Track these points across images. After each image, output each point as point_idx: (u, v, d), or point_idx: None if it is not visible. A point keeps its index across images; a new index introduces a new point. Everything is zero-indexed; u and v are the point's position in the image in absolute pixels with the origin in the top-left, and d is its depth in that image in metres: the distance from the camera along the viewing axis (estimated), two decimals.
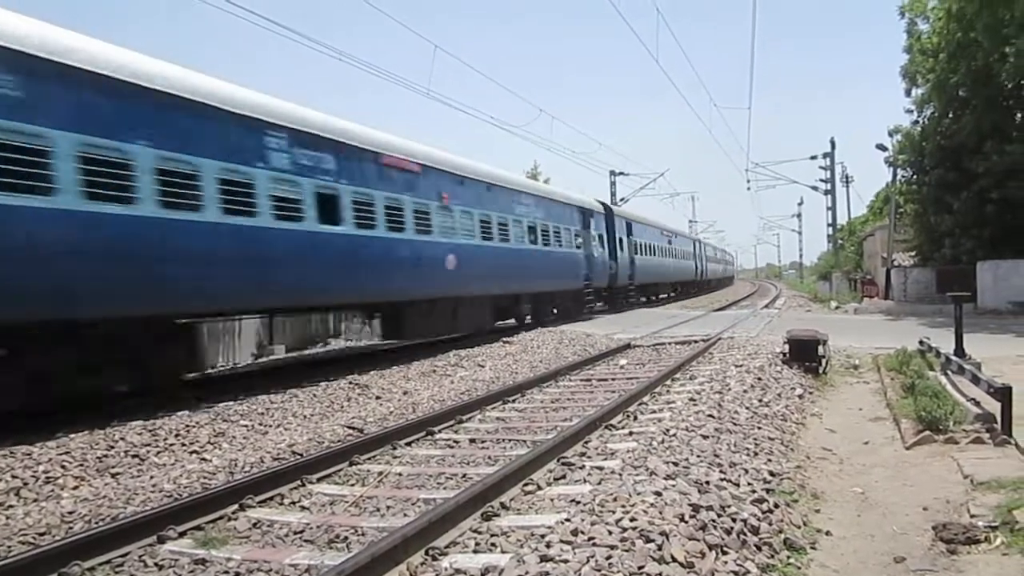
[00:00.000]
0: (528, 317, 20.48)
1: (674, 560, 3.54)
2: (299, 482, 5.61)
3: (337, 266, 12.06)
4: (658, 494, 4.35)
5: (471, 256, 16.31)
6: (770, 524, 4.33)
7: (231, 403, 9.18)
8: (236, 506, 5.04)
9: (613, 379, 10.53)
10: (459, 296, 16.15)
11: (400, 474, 5.93)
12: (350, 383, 10.78)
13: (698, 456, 5.47)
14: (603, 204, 27.55)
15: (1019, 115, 22.99)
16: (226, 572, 4.03)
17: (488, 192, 17.86)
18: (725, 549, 3.82)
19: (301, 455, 6.56)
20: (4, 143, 7.40)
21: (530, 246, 19.89)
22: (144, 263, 8.81)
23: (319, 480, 5.77)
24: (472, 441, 7.02)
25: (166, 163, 9.06)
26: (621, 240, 27.84)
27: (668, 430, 6.38)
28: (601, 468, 5.37)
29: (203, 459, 6.80)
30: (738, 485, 4.88)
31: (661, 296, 36.67)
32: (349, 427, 7.92)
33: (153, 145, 8.91)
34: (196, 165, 9.46)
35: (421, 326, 15.24)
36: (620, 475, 5.00)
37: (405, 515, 4.75)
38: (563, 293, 22.53)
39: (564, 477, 5.39)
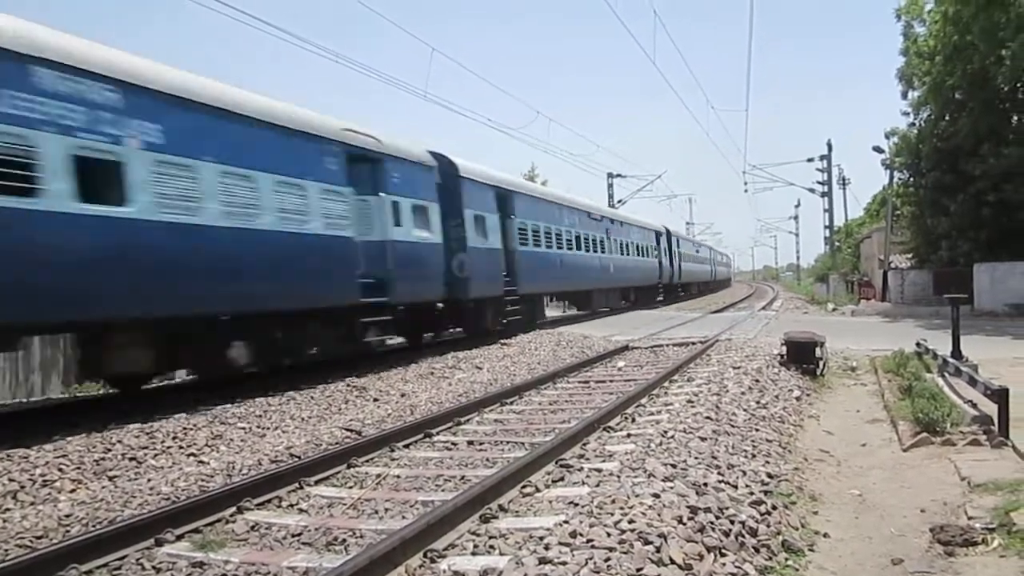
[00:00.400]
0: (635, 299, 32.26)
1: (672, 562, 3.54)
2: (297, 484, 5.60)
3: None
4: (656, 496, 4.36)
5: (611, 264, 28.02)
6: (768, 526, 4.34)
7: (228, 406, 9.16)
8: (234, 509, 5.02)
9: (611, 381, 10.54)
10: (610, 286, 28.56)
11: (398, 476, 5.92)
12: (348, 385, 10.77)
13: (696, 458, 5.48)
14: (665, 228, 38.21)
15: (1015, 118, 23.06)
16: (224, 575, 4.02)
17: (621, 227, 30.29)
18: (723, 551, 3.82)
19: (299, 457, 6.54)
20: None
21: (636, 257, 32.13)
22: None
23: (317, 482, 5.76)
24: (470, 443, 7.02)
25: None
26: (672, 252, 39.04)
27: (666, 432, 6.38)
28: (599, 470, 5.38)
29: (201, 462, 6.79)
30: (736, 487, 4.89)
31: (692, 291, 47.65)
32: (347, 429, 7.91)
33: None
34: None
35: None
36: (618, 477, 5.00)
37: (403, 517, 4.74)
38: (646, 288, 34.11)
39: (562, 479, 5.39)
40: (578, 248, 24.38)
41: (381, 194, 13.18)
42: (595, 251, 26.24)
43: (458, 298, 15.69)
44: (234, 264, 10.04)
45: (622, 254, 29.84)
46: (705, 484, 4.75)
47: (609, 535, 3.78)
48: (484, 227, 17.15)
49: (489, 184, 18.08)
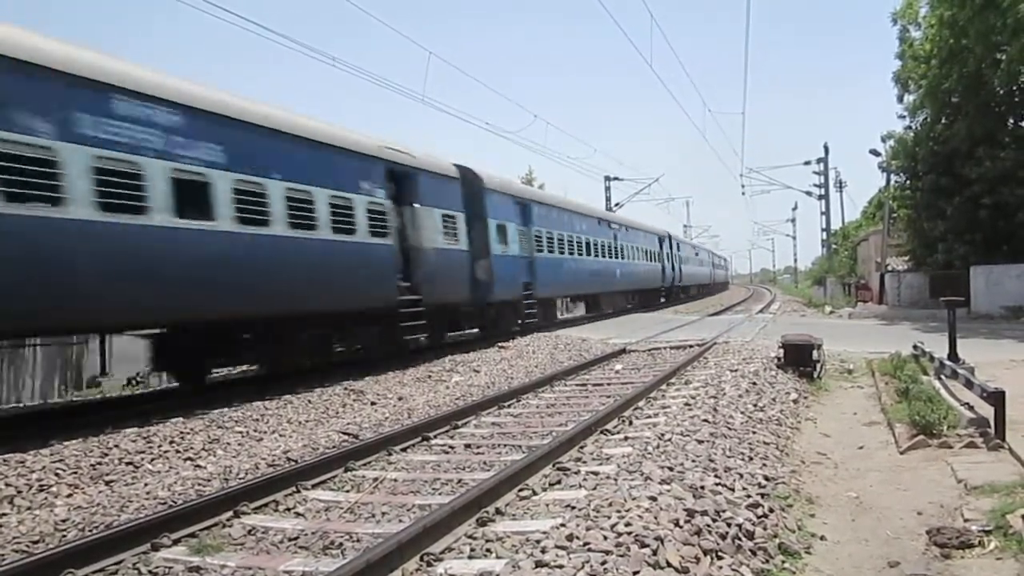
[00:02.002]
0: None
1: (669, 565, 3.55)
2: (294, 488, 5.60)
3: None
4: (653, 499, 4.36)
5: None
6: (765, 529, 4.34)
7: (226, 409, 9.15)
8: (231, 513, 5.02)
9: (608, 384, 10.54)
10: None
11: (395, 480, 5.92)
12: (345, 389, 10.76)
13: (693, 461, 5.48)
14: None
15: (1011, 121, 23.12)
16: None
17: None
18: (720, 554, 3.83)
19: (296, 461, 6.54)
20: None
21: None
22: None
23: (314, 486, 5.76)
24: (467, 446, 7.02)
25: None
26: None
27: (663, 435, 6.39)
28: (596, 473, 5.38)
29: (198, 466, 6.78)
30: (733, 490, 4.89)
31: (691, 292, 48.68)
32: (344, 433, 7.91)
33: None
34: None
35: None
36: (615, 480, 5.00)
37: (400, 521, 4.74)
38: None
39: (559, 482, 5.39)
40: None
41: (663, 249, 21.40)
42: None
43: (670, 285, 23.35)
44: (644, 276, 24.27)
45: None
46: (702, 487, 4.75)
47: (606, 538, 3.79)
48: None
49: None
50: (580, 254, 24.76)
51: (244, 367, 13.74)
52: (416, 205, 14.58)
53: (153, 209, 9.04)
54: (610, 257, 28.53)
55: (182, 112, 9.60)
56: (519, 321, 19.59)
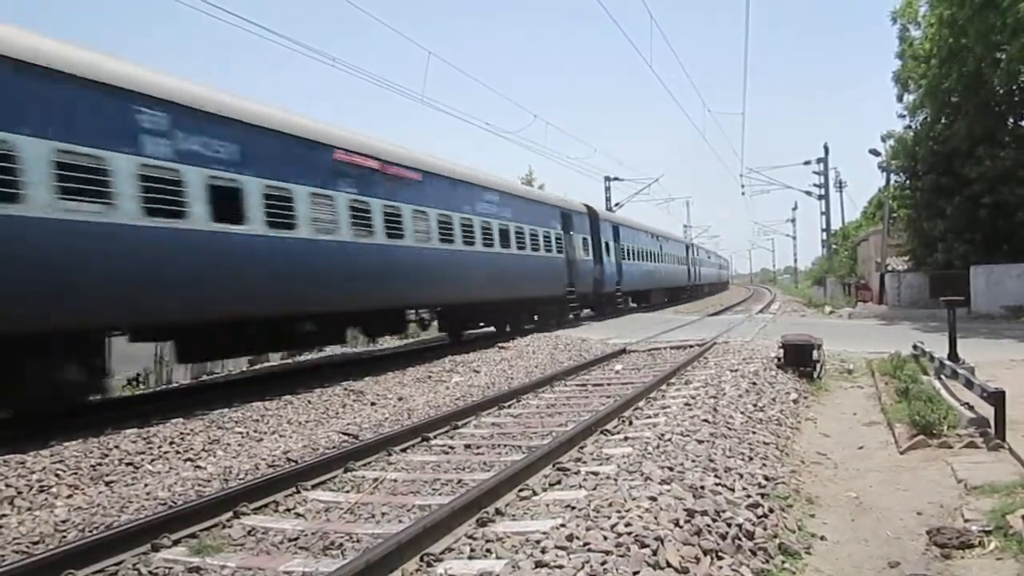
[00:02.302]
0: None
1: (669, 565, 3.55)
2: (294, 489, 5.60)
3: None
4: (653, 499, 4.36)
5: (664, 270, 38.49)
6: (765, 529, 4.34)
7: (225, 410, 9.16)
8: (231, 513, 5.02)
9: (608, 384, 10.54)
10: (663, 286, 39.24)
11: (395, 480, 5.92)
12: (345, 389, 10.76)
13: (693, 461, 5.48)
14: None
15: (1011, 120, 23.10)
16: None
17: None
18: (720, 554, 3.83)
19: (296, 462, 6.54)
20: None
21: (677, 266, 42.85)
22: None
23: (314, 487, 5.76)
24: (467, 447, 7.01)
25: None
26: (695, 260, 49.35)
27: (663, 435, 6.39)
28: (596, 473, 5.38)
29: (198, 466, 6.78)
30: (733, 490, 4.89)
31: (705, 290, 55.28)
32: (344, 433, 7.91)
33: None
34: None
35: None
36: (615, 480, 5.00)
37: (400, 521, 4.74)
38: (681, 288, 44.20)
39: (559, 482, 5.39)
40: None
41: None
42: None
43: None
44: (675, 275, 40.10)
45: (670, 264, 40.73)
46: (702, 487, 4.75)
47: (606, 538, 3.79)
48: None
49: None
50: (640, 260, 32.58)
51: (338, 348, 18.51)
52: (572, 233, 23.58)
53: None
54: (658, 262, 36.68)
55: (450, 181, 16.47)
56: (617, 304, 28.73)
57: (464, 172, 17.45)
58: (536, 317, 21.62)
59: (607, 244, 27.07)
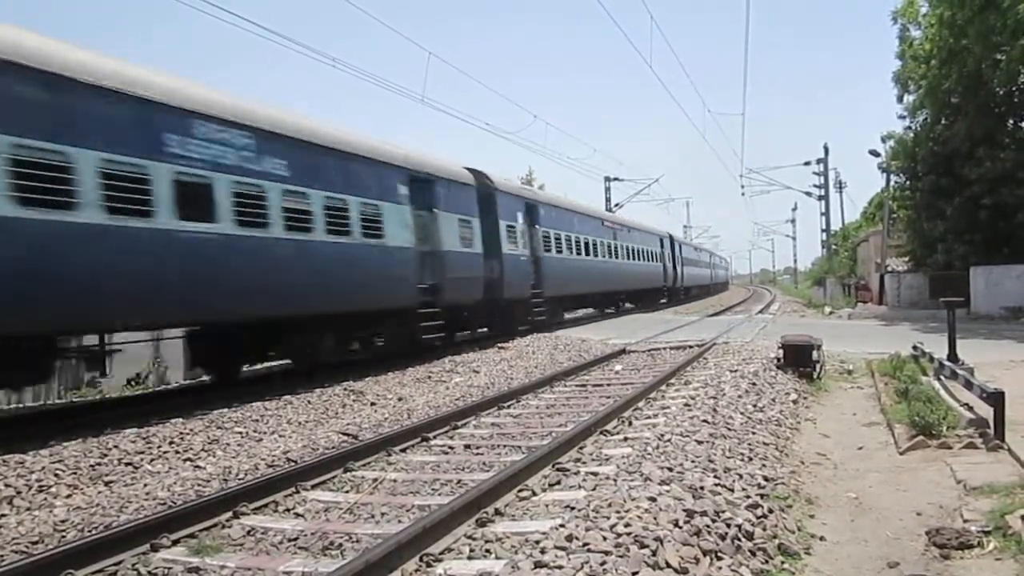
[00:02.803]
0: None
1: (668, 566, 3.55)
2: (293, 489, 5.60)
3: None
4: (652, 499, 4.36)
5: (693, 270, 47.51)
6: (764, 529, 4.34)
7: (225, 410, 9.15)
8: (230, 513, 5.02)
9: (608, 384, 10.54)
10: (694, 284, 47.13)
11: (395, 480, 5.92)
12: (345, 389, 10.76)
13: (693, 461, 5.48)
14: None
15: (1011, 122, 23.11)
16: None
17: (697, 251, 50.51)
18: (719, 554, 3.83)
19: (295, 462, 6.54)
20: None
21: (701, 269, 49.58)
22: None
23: (313, 487, 5.76)
24: (467, 447, 7.02)
25: None
26: (714, 263, 52.96)
27: (663, 435, 6.39)
28: (596, 474, 5.38)
29: (197, 466, 6.78)
30: (732, 490, 4.89)
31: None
32: (344, 434, 7.91)
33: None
34: None
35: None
36: (615, 480, 5.00)
37: (400, 521, 4.74)
38: (704, 286, 50.38)
39: (559, 483, 5.39)
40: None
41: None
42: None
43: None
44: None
45: (699, 267, 47.41)
46: (701, 487, 4.75)
47: (605, 539, 3.79)
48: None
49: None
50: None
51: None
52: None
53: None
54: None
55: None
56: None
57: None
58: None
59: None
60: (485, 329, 18.77)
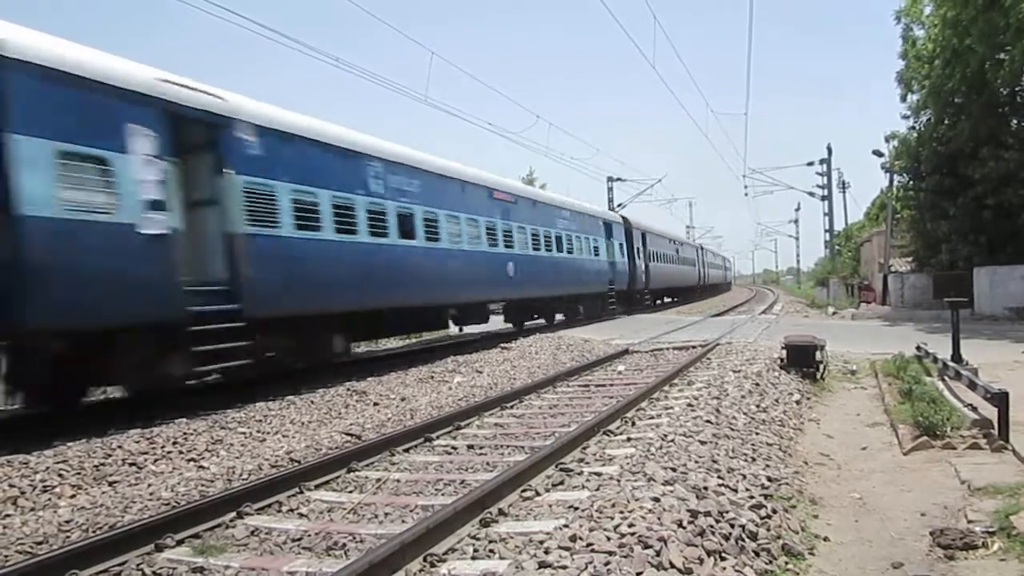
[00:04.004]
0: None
1: (672, 566, 3.55)
2: (297, 489, 5.60)
3: None
4: (656, 500, 4.36)
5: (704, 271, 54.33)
6: (768, 530, 4.34)
7: (228, 410, 9.16)
8: (234, 514, 5.02)
9: (611, 385, 10.53)
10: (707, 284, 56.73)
11: (398, 481, 5.92)
12: (348, 390, 10.77)
13: (696, 462, 5.48)
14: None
15: (1015, 121, 23.05)
16: None
17: (703, 251, 56.49)
18: (723, 555, 3.82)
19: (299, 462, 6.54)
20: None
21: (713, 271, 59.71)
22: None
23: (317, 487, 5.76)
24: (470, 447, 7.02)
25: None
26: (727, 266, 63.32)
27: (666, 436, 6.38)
28: (599, 474, 5.38)
29: (201, 467, 6.79)
30: (736, 491, 4.88)
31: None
32: (347, 434, 7.91)
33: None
34: None
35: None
36: (618, 481, 5.00)
37: (403, 522, 4.74)
38: (718, 285, 60.42)
39: (562, 483, 5.39)
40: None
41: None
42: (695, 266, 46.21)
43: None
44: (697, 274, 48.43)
45: (708, 268, 54.10)
46: (705, 488, 4.75)
47: (609, 539, 3.79)
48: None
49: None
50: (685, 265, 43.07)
51: None
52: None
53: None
54: (700, 267, 47.58)
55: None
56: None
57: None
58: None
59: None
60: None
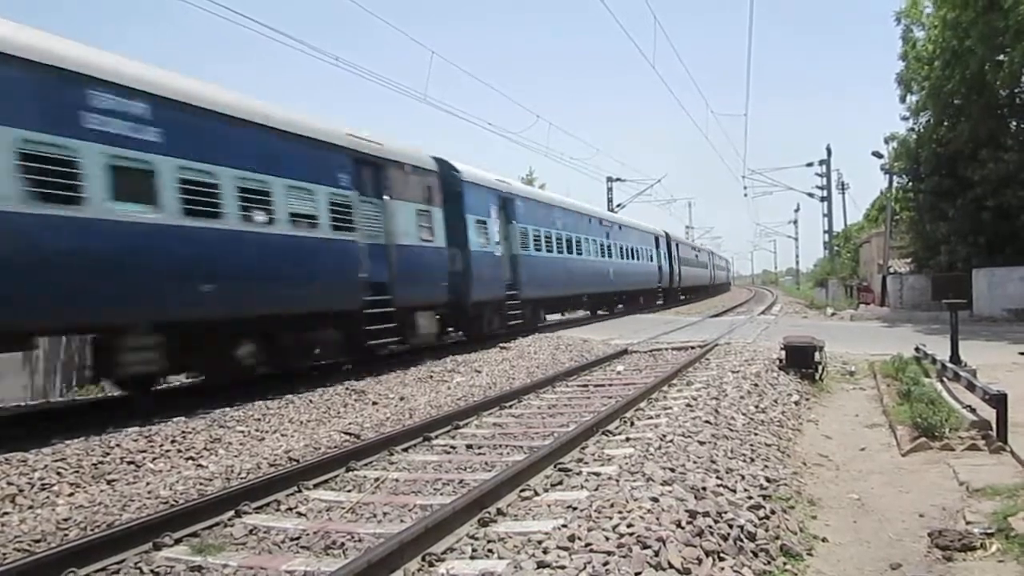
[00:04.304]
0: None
1: (671, 566, 3.55)
2: (296, 488, 5.60)
3: None
4: (655, 500, 4.36)
5: (713, 273, 61.81)
6: (767, 530, 4.34)
7: (227, 409, 9.15)
8: (232, 512, 5.02)
9: (610, 385, 10.54)
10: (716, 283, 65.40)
11: (397, 480, 5.92)
12: (347, 389, 10.76)
13: (695, 462, 5.48)
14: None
15: (1014, 123, 23.08)
16: None
17: (711, 255, 64.27)
18: (722, 555, 3.82)
19: (298, 461, 6.54)
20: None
21: (715, 271, 65.56)
22: None
23: (316, 486, 5.76)
24: (469, 447, 7.02)
25: None
26: (731, 269, 70.04)
27: (665, 436, 6.38)
28: (598, 474, 5.38)
29: (199, 465, 6.79)
30: (735, 491, 4.88)
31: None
32: (346, 433, 7.91)
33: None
34: None
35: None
36: (617, 481, 5.00)
37: (402, 521, 4.74)
38: (720, 284, 64.18)
39: (561, 483, 5.39)
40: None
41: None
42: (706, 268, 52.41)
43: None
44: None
45: (715, 270, 59.54)
46: (704, 488, 4.75)
47: (608, 539, 3.79)
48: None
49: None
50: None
51: None
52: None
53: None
54: (708, 268, 53.26)
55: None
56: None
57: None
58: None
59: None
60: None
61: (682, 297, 43.71)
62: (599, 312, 29.21)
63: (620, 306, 31.48)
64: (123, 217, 8.52)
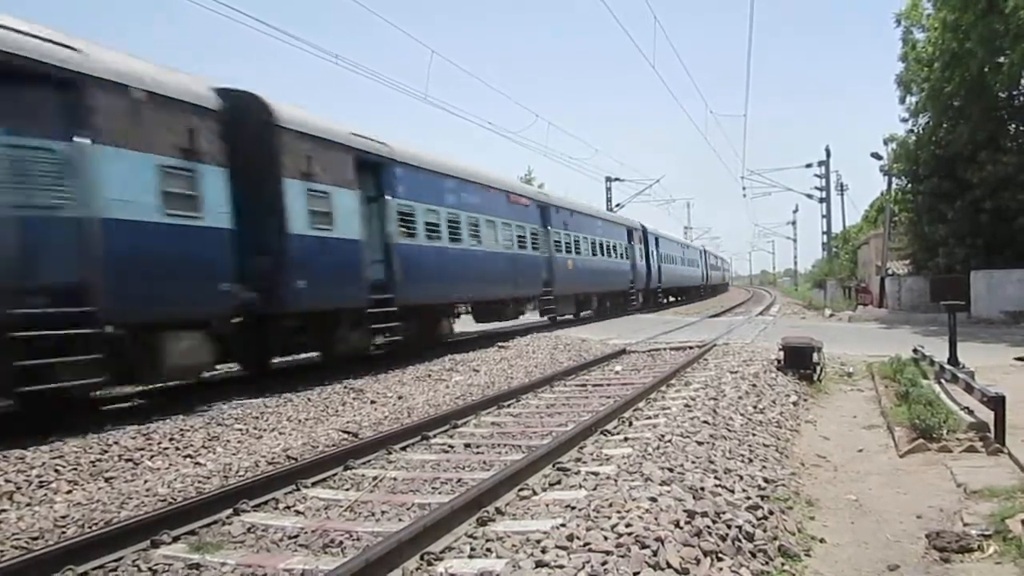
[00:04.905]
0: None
1: (669, 566, 3.55)
2: (294, 487, 5.60)
3: None
4: (653, 500, 4.36)
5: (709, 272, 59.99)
6: (765, 531, 4.34)
7: (225, 407, 9.16)
8: (230, 511, 5.02)
9: (608, 385, 10.54)
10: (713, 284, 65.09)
11: (395, 479, 5.92)
12: (345, 387, 10.76)
13: (693, 462, 5.48)
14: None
15: (1013, 126, 23.09)
16: None
17: (709, 255, 63.32)
18: (720, 555, 3.83)
19: (296, 459, 6.54)
20: None
21: (714, 271, 66.13)
22: None
23: (314, 485, 5.76)
24: (467, 446, 7.02)
25: None
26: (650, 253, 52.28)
27: (663, 436, 6.38)
28: (596, 473, 5.38)
29: (197, 463, 6.78)
30: (733, 491, 4.89)
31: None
32: (344, 431, 7.91)
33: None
34: None
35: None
36: (615, 481, 5.00)
37: (400, 520, 4.74)
38: (718, 285, 66.65)
39: (559, 482, 5.39)
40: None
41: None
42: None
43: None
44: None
45: (710, 270, 58.34)
46: (702, 488, 4.75)
47: (606, 539, 3.79)
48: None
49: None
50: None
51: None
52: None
53: None
54: (703, 268, 53.48)
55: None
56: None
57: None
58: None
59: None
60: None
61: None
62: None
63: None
64: (458, 246, 16.63)
